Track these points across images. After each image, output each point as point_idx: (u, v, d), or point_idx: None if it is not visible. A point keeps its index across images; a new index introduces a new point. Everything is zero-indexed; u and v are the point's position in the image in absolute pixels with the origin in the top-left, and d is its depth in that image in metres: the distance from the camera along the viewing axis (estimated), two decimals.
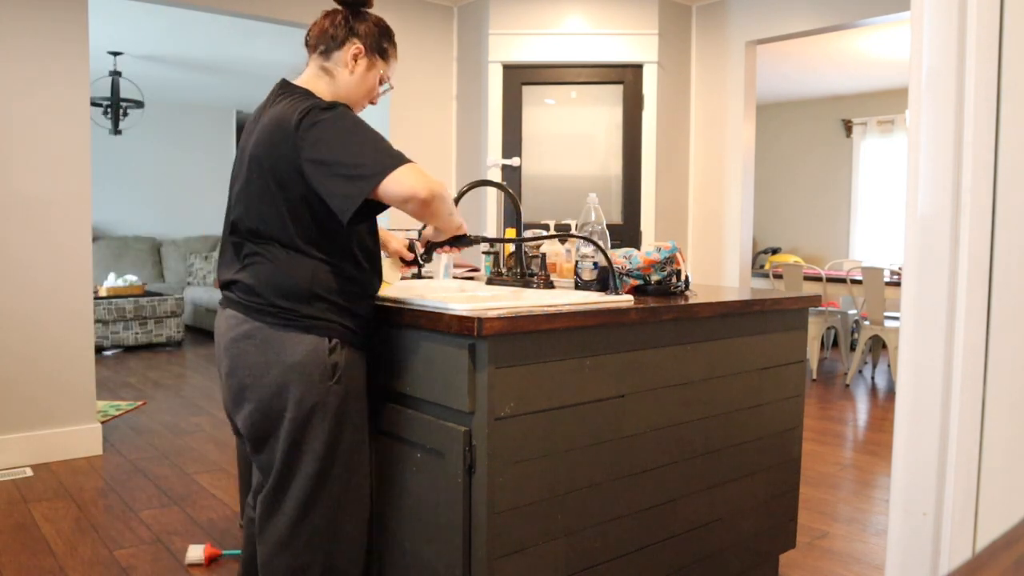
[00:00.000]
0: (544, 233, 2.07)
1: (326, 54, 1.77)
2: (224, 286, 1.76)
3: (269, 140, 1.63)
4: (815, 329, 5.92)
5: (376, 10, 4.48)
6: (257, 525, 1.76)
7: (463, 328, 1.58)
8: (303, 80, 1.78)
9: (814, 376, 5.94)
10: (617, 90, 4.57)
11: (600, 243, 2.04)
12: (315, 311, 1.65)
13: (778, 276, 6.36)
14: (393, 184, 1.54)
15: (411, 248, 1.96)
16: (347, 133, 1.59)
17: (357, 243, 1.71)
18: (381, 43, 1.80)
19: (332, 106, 1.63)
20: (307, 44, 1.81)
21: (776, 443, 2.30)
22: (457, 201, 2.21)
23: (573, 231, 2.51)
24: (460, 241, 1.80)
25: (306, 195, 1.62)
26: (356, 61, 1.77)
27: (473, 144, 4.77)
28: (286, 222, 1.64)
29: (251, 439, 1.74)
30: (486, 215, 4.67)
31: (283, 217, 1.64)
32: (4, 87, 3.47)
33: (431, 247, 1.84)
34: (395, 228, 4.13)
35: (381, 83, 1.84)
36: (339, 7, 1.81)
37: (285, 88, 1.73)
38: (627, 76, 4.54)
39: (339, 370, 1.68)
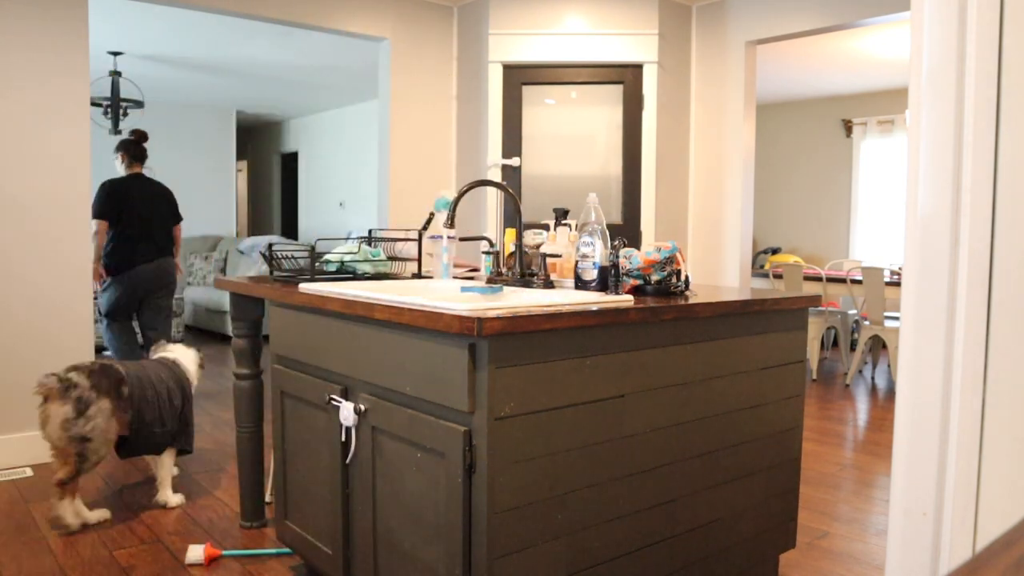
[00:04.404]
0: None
1: None
2: None
3: None
4: (815, 329, 5.92)
5: (376, 9, 4.51)
6: None
7: (463, 328, 1.58)
8: None
9: (814, 376, 5.94)
10: (617, 90, 4.57)
11: (600, 241, 2.04)
12: None
13: (778, 276, 6.36)
14: None
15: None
16: None
17: None
18: None
19: None
20: None
21: (776, 443, 2.30)
22: (457, 201, 2.22)
23: (572, 230, 2.51)
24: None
25: None
26: None
27: (473, 144, 4.77)
28: None
29: None
30: (486, 215, 4.67)
31: None
32: (4, 87, 3.46)
33: None
34: (394, 228, 4.11)
35: None
36: None
37: None
38: (627, 76, 4.54)
39: None
